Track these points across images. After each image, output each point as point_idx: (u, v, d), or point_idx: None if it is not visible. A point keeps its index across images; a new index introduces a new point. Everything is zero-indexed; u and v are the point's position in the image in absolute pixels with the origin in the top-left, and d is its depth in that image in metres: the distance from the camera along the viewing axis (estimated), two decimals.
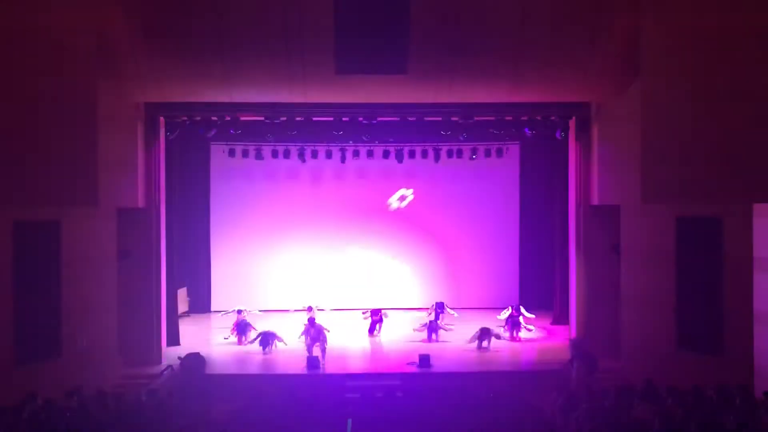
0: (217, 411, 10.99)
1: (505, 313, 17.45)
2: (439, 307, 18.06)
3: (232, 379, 14.08)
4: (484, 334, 15.96)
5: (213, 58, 13.06)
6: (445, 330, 16.98)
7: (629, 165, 13.30)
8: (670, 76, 12.43)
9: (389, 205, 20.27)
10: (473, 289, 20.59)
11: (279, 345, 15.94)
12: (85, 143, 12.48)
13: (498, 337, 16.17)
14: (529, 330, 17.00)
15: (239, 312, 17.41)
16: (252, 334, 16.41)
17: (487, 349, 15.87)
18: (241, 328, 16.66)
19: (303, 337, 15.71)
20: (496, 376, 14.13)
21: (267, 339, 15.83)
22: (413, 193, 20.60)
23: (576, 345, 14.32)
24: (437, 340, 16.71)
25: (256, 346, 15.94)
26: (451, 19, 12.49)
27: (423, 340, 16.63)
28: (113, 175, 13.45)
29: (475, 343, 15.97)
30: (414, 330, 16.95)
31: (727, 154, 12.05)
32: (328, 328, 15.72)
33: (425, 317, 17.61)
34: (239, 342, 16.57)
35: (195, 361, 13.93)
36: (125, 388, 12.43)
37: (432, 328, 16.86)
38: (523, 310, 17.60)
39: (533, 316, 17.86)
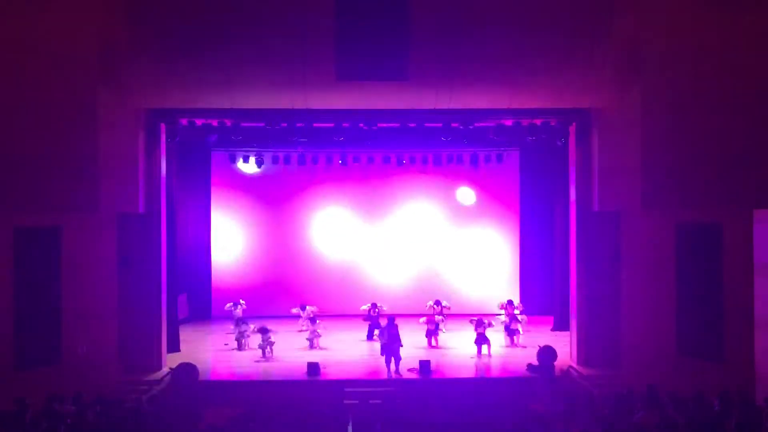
0: (217, 417, 10.97)
1: (502, 315, 17.56)
2: (437, 305, 18.02)
3: (232, 386, 14.07)
4: (479, 324, 16.03)
5: (214, 64, 13.09)
6: (443, 322, 17.03)
7: (629, 171, 13.30)
8: (670, 83, 12.46)
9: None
10: (474, 295, 20.57)
11: (279, 349, 15.97)
12: (86, 149, 12.51)
13: (490, 324, 16.26)
14: (519, 321, 16.96)
15: (236, 305, 17.65)
16: (252, 327, 16.47)
17: (488, 356, 15.88)
18: (239, 323, 16.73)
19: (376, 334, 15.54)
20: (496, 383, 14.13)
21: (263, 329, 15.92)
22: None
23: (541, 354, 14.30)
24: (437, 345, 16.70)
25: (256, 352, 15.96)
26: (451, 25, 12.53)
27: (423, 347, 16.61)
28: (114, 180, 13.47)
29: (475, 348, 15.98)
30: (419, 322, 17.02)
31: (727, 160, 12.06)
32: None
33: (422, 323, 17.56)
34: (239, 348, 16.57)
35: (186, 370, 13.86)
36: (125, 395, 12.41)
37: (430, 332, 16.86)
38: (516, 305, 17.64)
39: (524, 314, 17.75)
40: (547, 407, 11.25)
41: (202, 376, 14.21)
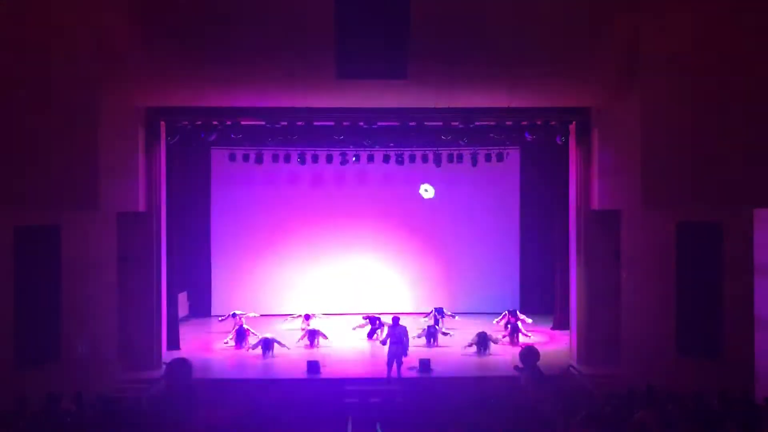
0: (217, 415, 10.97)
1: (501, 320, 17.53)
2: (438, 312, 18.10)
3: (231, 384, 14.06)
4: (482, 339, 15.98)
5: (214, 62, 13.08)
6: (444, 335, 16.96)
7: (630, 169, 13.30)
8: (670, 81, 12.45)
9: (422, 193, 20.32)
10: (474, 294, 20.57)
11: (279, 349, 15.96)
12: (85, 147, 12.49)
13: (495, 341, 16.17)
14: (528, 336, 17.00)
15: (234, 316, 17.51)
16: (252, 340, 16.42)
17: (487, 354, 15.89)
18: (241, 335, 16.67)
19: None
20: (495, 381, 14.12)
21: (267, 345, 15.85)
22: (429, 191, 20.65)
23: (523, 356, 14.07)
24: (437, 345, 16.69)
25: (255, 350, 15.95)
26: (451, 24, 12.52)
27: (423, 345, 16.59)
28: (114, 179, 13.46)
29: (473, 348, 15.98)
30: (414, 337, 16.90)
31: (728, 159, 12.05)
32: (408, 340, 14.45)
33: (424, 323, 17.60)
34: (238, 347, 16.57)
35: (180, 366, 13.80)
36: (125, 393, 12.42)
37: (431, 333, 16.85)
38: (520, 315, 17.62)
39: (531, 320, 17.85)
40: (546, 406, 11.23)
41: (202, 375, 14.19)
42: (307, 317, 18.13)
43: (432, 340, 16.78)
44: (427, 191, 20.20)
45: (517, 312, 17.82)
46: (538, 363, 13.25)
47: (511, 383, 13.86)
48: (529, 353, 13.55)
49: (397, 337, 14.29)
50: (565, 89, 14.06)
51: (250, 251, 20.73)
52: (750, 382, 11.91)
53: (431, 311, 18.28)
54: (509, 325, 17.24)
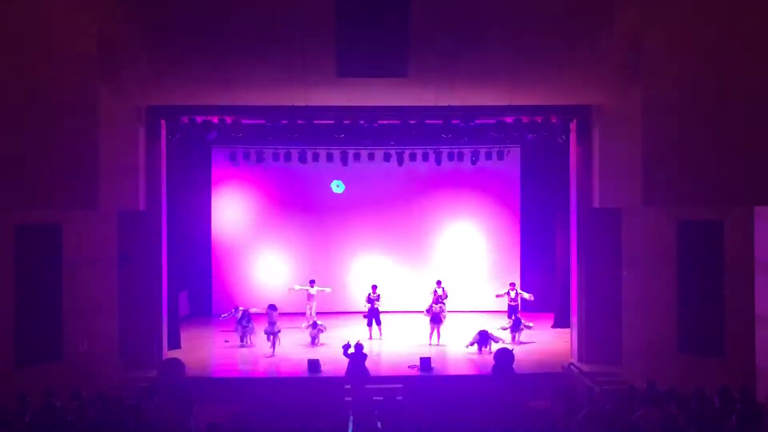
0: (218, 414, 10.98)
1: (504, 295, 17.45)
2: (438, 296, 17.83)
3: (232, 383, 14.07)
4: (483, 337, 15.98)
5: (215, 61, 13.08)
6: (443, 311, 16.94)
7: (630, 167, 13.28)
8: (671, 79, 12.43)
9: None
10: (474, 292, 20.55)
11: (280, 348, 15.97)
12: (86, 146, 12.48)
13: (496, 340, 16.16)
14: (529, 327, 16.96)
15: (237, 310, 17.53)
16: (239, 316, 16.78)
17: (488, 352, 15.88)
18: (243, 321, 16.79)
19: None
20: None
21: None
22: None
23: (496, 358, 13.90)
24: (439, 342, 16.67)
25: (256, 349, 15.99)
26: (451, 22, 12.51)
27: (424, 344, 16.57)
28: (114, 178, 13.46)
29: (474, 347, 15.99)
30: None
31: (728, 156, 12.04)
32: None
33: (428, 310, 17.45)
34: (241, 344, 16.58)
35: (172, 366, 13.80)
36: (126, 391, 12.42)
37: (435, 318, 16.82)
38: (520, 290, 17.54)
39: (530, 295, 17.56)
40: (547, 404, 11.25)
41: (202, 373, 14.23)
42: (312, 283, 18.12)
43: (435, 332, 16.78)
44: (338, 186, 20.22)
45: (518, 288, 17.66)
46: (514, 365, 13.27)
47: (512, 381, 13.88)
48: (505, 354, 13.52)
49: (358, 363, 13.34)
50: (566, 87, 14.05)
51: (251, 250, 20.73)
52: (751, 380, 11.90)
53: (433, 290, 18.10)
54: (509, 327, 17.19)
